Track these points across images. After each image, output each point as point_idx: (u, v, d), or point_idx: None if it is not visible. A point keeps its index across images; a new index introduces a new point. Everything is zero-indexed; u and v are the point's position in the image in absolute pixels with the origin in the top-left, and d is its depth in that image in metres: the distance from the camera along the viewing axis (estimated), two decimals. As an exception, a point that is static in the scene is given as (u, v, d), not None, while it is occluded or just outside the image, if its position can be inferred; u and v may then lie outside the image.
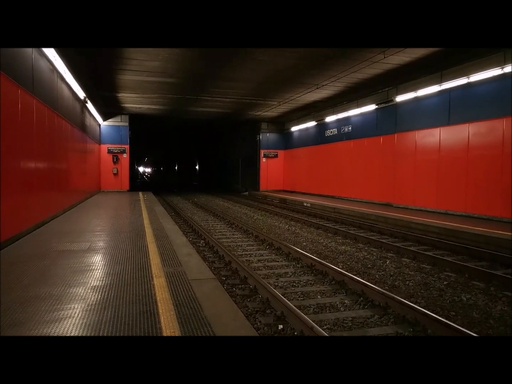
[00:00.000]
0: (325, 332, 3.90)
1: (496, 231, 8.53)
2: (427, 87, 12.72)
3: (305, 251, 7.79)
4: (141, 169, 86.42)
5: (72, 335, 2.94)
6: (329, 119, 19.53)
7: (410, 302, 4.81)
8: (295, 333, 4.14)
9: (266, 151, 25.68)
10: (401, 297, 4.97)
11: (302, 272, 6.63)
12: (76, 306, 3.56)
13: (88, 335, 2.95)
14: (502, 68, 10.07)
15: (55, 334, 2.95)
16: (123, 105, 19.77)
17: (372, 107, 16.00)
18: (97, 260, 5.41)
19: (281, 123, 25.70)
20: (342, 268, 6.64)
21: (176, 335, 2.94)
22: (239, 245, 8.90)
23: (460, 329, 3.88)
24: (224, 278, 6.22)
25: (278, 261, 7.41)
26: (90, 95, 14.76)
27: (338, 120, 18.95)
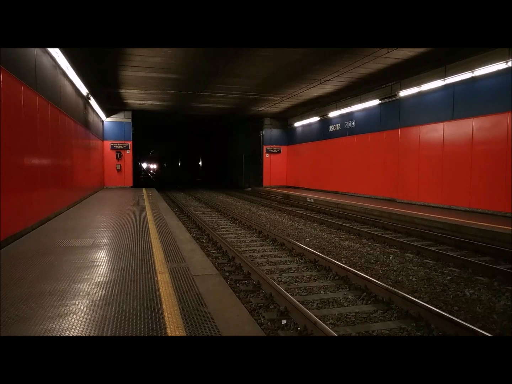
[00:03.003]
0: (329, 327, 3.91)
1: (500, 226, 8.50)
2: (431, 81, 12.64)
3: (308, 247, 7.80)
4: (144, 165, 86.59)
5: (76, 330, 2.96)
6: (333, 114, 19.46)
7: (414, 297, 4.81)
8: (299, 328, 4.15)
9: (269, 146, 25.64)
10: (405, 292, 4.97)
11: (305, 268, 6.64)
12: (80, 302, 3.59)
13: (93, 330, 2.97)
14: (507, 62, 9.99)
15: (60, 329, 2.97)
16: (126, 101, 19.79)
17: (375, 102, 15.92)
18: (101, 256, 5.44)
19: (284, 119, 25.64)
20: (345, 264, 6.64)
21: (180, 330, 2.96)
22: (242, 241, 8.92)
23: (463, 324, 3.88)
24: (228, 274, 6.24)
25: (281, 257, 7.42)
26: (93, 91, 14.76)
27: (342, 116, 18.88)
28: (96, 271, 4.64)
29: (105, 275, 4.50)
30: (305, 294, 5.34)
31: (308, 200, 17.17)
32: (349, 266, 6.25)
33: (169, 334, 2.89)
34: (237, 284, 5.74)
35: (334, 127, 19.74)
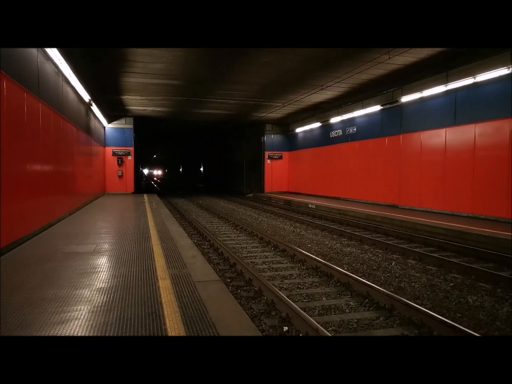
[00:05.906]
0: (330, 333, 3.89)
1: (503, 232, 8.46)
2: (432, 87, 12.66)
3: (310, 253, 7.78)
4: (145, 171, 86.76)
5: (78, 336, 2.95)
6: (334, 120, 19.49)
7: (416, 304, 4.79)
8: (300, 334, 4.13)
9: (270, 152, 25.67)
10: (407, 299, 4.94)
11: (307, 274, 6.62)
12: (82, 308, 3.58)
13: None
14: (509, 68, 10.01)
15: (62, 335, 2.96)
16: (127, 108, 19.85)
17: (377, 108, 15.95)
18: (103, 262, 5.43)
19: (285, 125, 25.69)
20: (347, 270, 6.61)
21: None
22: (244, 247, 8.90)
23: (466, 331, 3.85)
24: (229, 280, 6.22)
25: (283, 263, 7.40)
26: (94, 97, 14.83)
27: (343, 121, 18.91)
28: (98, 277, 4.63)
29: (107, 281, 4.49)
30: (306, 300, 5.31)
31: (310, 206, 17.15)
32: (351, 273, 6.23)
33: (171, 341, 2.87)
34: (239, 291, 5.72)
35: (336, 133, 19.76)
